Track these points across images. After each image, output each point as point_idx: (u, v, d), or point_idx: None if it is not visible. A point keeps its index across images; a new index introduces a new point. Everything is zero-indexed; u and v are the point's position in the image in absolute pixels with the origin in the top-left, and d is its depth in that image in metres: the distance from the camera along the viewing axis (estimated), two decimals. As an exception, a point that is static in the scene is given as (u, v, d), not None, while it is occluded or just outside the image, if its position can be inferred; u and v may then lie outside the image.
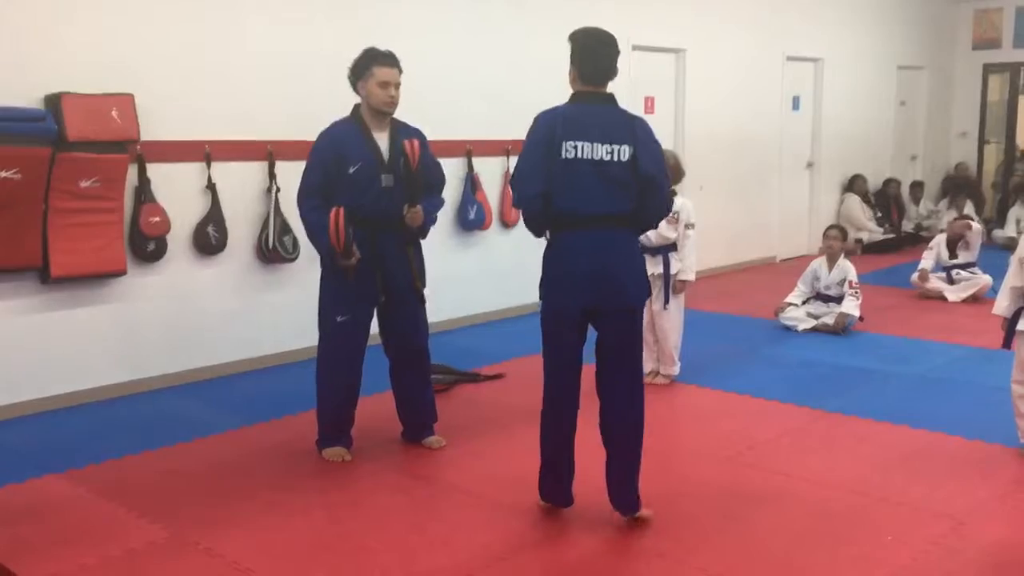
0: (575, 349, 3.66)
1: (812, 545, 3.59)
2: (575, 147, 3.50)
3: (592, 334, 3.70)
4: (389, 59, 4.33)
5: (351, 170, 4.28)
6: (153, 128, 5.40)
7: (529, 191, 3.55)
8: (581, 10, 7.73)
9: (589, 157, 3.50)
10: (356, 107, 4.42)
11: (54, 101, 4.98)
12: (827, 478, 4.21)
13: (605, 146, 3.51)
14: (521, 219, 3.79)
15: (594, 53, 3.60)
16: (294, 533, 3.73)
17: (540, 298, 3.72)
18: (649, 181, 3.56)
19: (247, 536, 3.69)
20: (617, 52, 3.63)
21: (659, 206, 3.69)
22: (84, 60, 5.17)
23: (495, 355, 6.30)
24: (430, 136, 4.63)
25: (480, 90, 7.18)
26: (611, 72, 3.63)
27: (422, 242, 4.62)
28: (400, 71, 4.37)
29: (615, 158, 3.51)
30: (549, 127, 3.54)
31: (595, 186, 3.51)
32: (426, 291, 4.62)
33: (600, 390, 3.70)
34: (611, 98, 3.64)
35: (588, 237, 3.55)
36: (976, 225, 8.71)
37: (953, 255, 8.54)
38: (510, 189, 3.80)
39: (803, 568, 3.42)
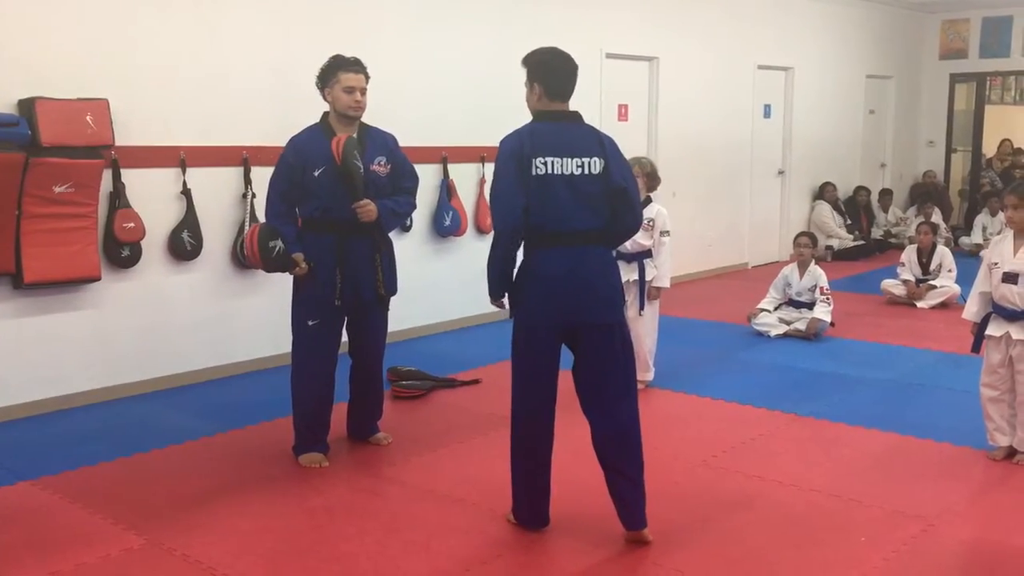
0: (551, 369, 3.59)
1: (786, 547, 3.63)
2: (545, 163, 3.46)
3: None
4: (355, 65, 4.37)
5: (316, 173, 4.31)
6: (128, 133, 5.38)
7: (512, 205, 3.47)
8: (557, 19, 7.81)
9: (560, 172, 3.47)
10: (325, 114, 4.46)
11: (28, 106, 4.94)
12: (800, 481, 4.27)
13: (575, 160, 3.48)
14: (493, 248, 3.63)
15: (559, 71, 3.59)
16: (272, 539, 3.73)
17: (512, 317, 3.64)
18: (622, 193, 3.56)
19: (224, 542, 3.67)
20: (577, 68, 3.63)
21: (633, 218, 3.66)
22: (58, 65, 5.13)
23: (471, 361, 6.31)
24: (406, 142, 4.64)
25: (456, 97, 7.20)
26: (573, 88, 3.63)
27: (396, 248, 4.63)
28: (367, 77, 4.39)
29: (586, 171, 3.49)
30: (516, 146, 3.49)
31: (569, 202, 3.48)
32: (401, 297, 4.63)
33: (588, 410, 3.62)
34: (577, 115, 3.63)
35: (565, 253, 3.51)
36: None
37: (926, 272, 8.55)
38: (489, 213, 3.69)
39: (777, 569, 3.47)
